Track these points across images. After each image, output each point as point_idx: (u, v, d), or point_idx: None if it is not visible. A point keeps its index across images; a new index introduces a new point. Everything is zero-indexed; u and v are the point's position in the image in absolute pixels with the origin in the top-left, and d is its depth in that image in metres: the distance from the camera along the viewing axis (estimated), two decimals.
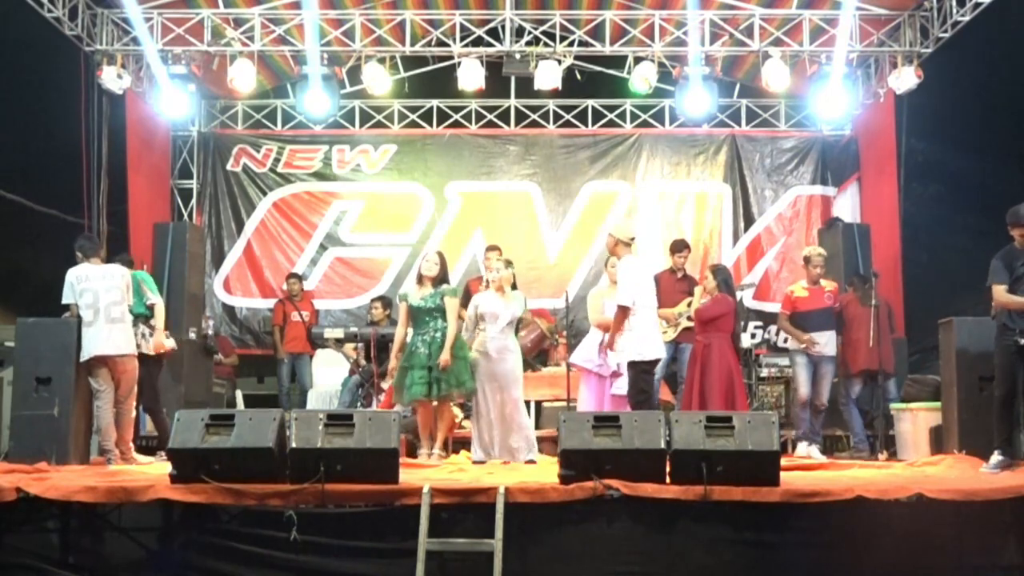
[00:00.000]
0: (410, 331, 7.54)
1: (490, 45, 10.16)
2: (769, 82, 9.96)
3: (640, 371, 6.98)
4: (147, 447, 8.21)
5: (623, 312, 6.90)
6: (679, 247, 9.42)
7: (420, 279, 7.53)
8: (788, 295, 8.54)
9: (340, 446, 5.31)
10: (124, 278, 7.31)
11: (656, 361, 7.11)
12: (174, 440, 5.39)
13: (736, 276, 10.96)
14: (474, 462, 7.26)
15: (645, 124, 11.80)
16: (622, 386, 7.47)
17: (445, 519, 5.17)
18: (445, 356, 7.18)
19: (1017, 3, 9.20)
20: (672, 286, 9.17)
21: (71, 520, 5.37)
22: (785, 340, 9.20)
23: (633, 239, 7.25)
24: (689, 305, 8.81)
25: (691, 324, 8.71)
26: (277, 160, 11.70)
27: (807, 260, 8.42)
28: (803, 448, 8.23)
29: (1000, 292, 6.56)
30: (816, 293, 8.32)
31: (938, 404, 7.81)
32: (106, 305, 7.13)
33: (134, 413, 7.29)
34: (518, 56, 10.04)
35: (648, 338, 6.98)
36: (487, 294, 7.55)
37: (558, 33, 10.10)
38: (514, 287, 7.69)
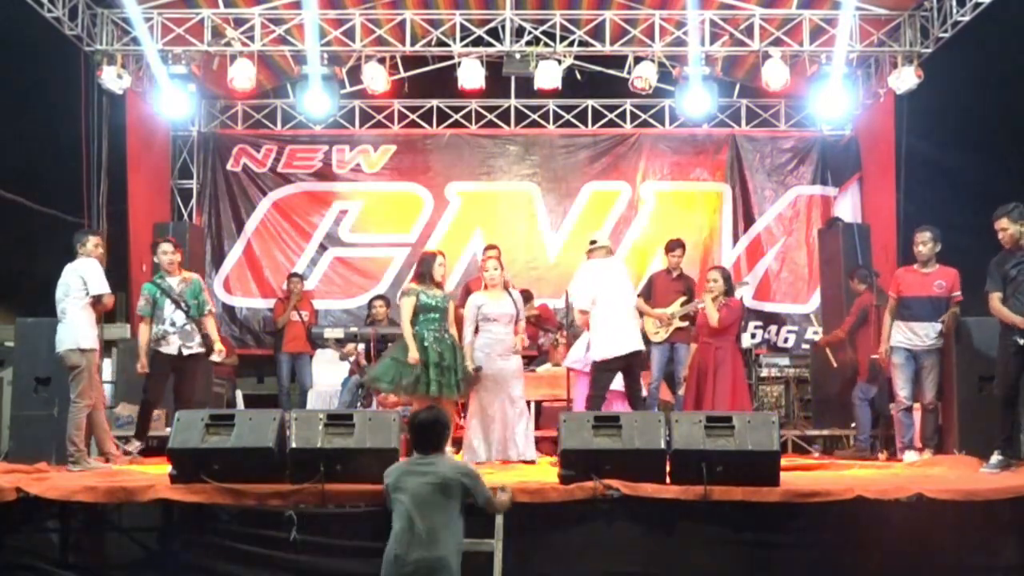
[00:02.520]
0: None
1: (490, 45, 10.16)
2: (769, 82, 9.95)
3: (601, 370, 7.13)
4: (147, 447, 8.19)
5: (583, 315, 7.25)
6: (673, 246, 9.40)
7: (429, 280, 7.51)
8: (897, 275, 7.65)
9: (340, 446, 5.32)
10: (75, 272, 6.99)
11: (619, 359, 7.13)
12: (174, 440, 5.40)
13: (736, 276, 10.98)
14: (475, 463, 7.25)
15: (645, 124, 11.80)
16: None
17: None
18: (471, 365, 7.24)
19: (1017, 3, 9.20)
20: (667, 286, 9.16)
21: (71, 520, 5.38)
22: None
23: (593, 242, 7.60)
24: (683, 304, 8.81)
25: (684, 324, 8.74)
26: (277, 160, 11.70)
27: (914, 239, 7.55)
28: (911, 456, 7.41)
29: (993, 300, 6.61)
30: (924, 279, 7.45)
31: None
32: (56, 303, 7.01)
33: (81, 414, 6.87)
34: (518, 56, 10.03)
35: (607, 338, 7.09)
36: (487, 295, 7.55)
37: (558, 33, 10.10)
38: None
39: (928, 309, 7.40)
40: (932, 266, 7.45)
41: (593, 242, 7.61)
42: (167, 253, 7.70)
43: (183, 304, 7.54)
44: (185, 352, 7.58)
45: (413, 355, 7.07)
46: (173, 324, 7.53)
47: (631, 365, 7.27)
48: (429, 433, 4.46)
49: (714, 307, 7.80)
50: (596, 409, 6.99)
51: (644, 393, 7.69)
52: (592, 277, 7.32)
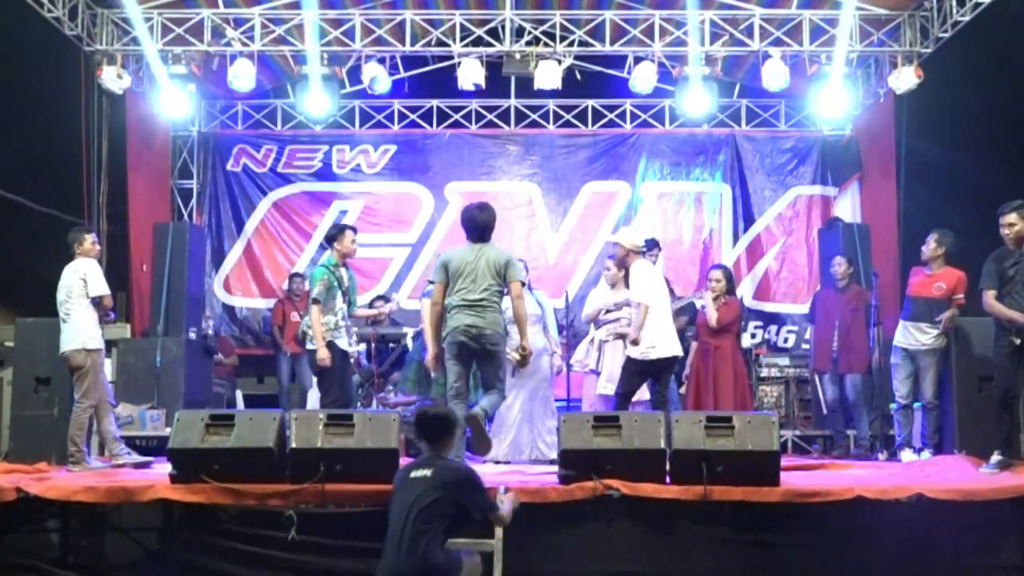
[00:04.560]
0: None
1: (490, 45, 10.16)
2: (769, 82, 9.96)
3: (635, 372, 6.84)
4: (146, 447, 8.20)
5: (644, 310, 6.75)
6: (650, 246, 9.37)
7: None
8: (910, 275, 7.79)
9: (340, 446, 5.33)
10: (76, 273, 6.94)
11: (657, 362, 6.83)
12: (174, 440, 5.40)
13: (736, 276, 10.97)
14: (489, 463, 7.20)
15: (645, 124, 11.79)
16: (607, 385, 7.49)
17: None
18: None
19: (1017, 3, 9.20)
20: None
21: (71, 520, 5.38)
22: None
23: (643, 247, 7.21)
24: None
25: None
26: (277, 160, 11.69)
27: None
28: (907, 455, 7.45)
29: (989, 297, 6.61)
30: (927, 280, 7.54)
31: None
32: (58, 304, 6.96)
33: (84, 415, 6.85)
34: (518, 56, 10.03)
35: (655, 340, 6.80)
36: None
37: (558, 33, 10.09)
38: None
39: (925, 310, 7.47)
40: (938, 268, 7.50)
41: (642, 247, 7.23)
42: (355, 242, 7.30)
43: (347, 298, 7.19)
44: (350, 349, 7.22)
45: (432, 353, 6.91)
46: (344, 318, 7.11)
47: (664, 370, 6.94)
48: (432, 428, 4.64)
49: (714, 306, 7.81)
50: (623, 408, 6.72)
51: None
52: (651, 279, 7.00)
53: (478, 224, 6.02)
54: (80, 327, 6.92)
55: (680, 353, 7.06)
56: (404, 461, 6.13)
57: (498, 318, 5.93)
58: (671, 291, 9.13)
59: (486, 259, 5.94)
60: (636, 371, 6.84)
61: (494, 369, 6.02)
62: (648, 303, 6.76)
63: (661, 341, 6.84)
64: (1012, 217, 6.55)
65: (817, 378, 8.55)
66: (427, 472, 4.48)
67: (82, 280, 6.93)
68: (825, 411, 8.54)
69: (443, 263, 6.02)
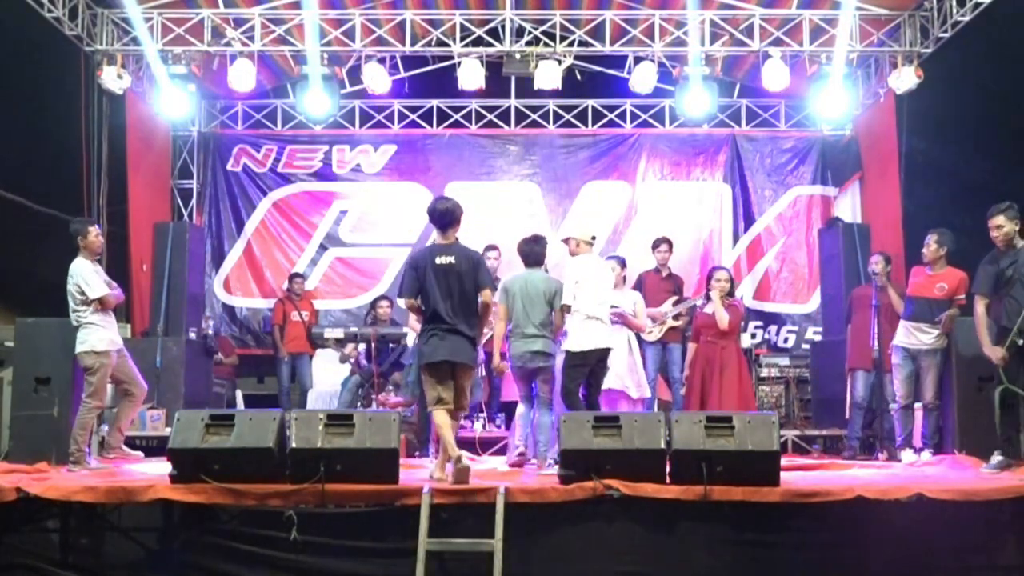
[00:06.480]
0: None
1: (490, 45, 10.16)
2: (769, 82, 9.96)
3: (570, 364, 6.75)
4: (146, 447, 8.20)
5: (564, 310, 6.82)
6: (658, 242, 9.36)
7: None
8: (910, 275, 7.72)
9: (340, 446, 5.32)
10: (72, 279, 6.92)
11: (589, 353, 6.72)
12: (174, 440, 5.40)
13: (736, 276, 10.98)
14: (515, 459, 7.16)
15: (645, 124, 11.80)
16: (609, 380, 7.45)
17: (445, 519, 5.18)
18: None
19: (1017, 3, 9.19)
20: (657, 285, 9.15)
21: (71, 520, 5.38)
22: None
23: (594, 238, 7.15)
24: (674, 304, 8.82)
25: (677, 324, 8.74)
26: (277, 160, 11.70)
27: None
28: (908, 456, 7.43)
29: (979, 306, 6.66)
30: (928, 280, 7.48)
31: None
32: (70, 311, 6.95)
33: (89, 415, 6.89)
34: (518, 56, 10.04)
35: (578, 332, 6.76)
36: None
37: (558, 33, 10.10)
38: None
39: (926, 310, 7.44)
40: (940, 268, 7.47)
41: (593, 237, 7.28)
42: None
43: None
44: None
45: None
46: None
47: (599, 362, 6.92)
48: (440, 219, 6.14)
49: (722, 306, 7.80)
50: (572, 402, 6.68)
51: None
52: (578, 274, 6.89)
53: (531, 254, 6.95)
54: (90, 330, 6.95)
55: (612, 346, 7.01)
56: (404, 462, 6.17)
57: (550, 343, 6.79)
58: (679, 291, 9.13)
59: (537, 291, 6.79)
60: (573, 364, 6.75)
61: (550, 385, 6.83)
62: (570, 303, 6.79)
63: (580, 335, 6.77)
64: (1000, 219, 6.57)
65: (849, 376, 8.41)
66: (451, 259, 5.99)
67: (78, 286, 6.93)
68: (854, 409, 8.36)
69: (504, 289, 6.89)
